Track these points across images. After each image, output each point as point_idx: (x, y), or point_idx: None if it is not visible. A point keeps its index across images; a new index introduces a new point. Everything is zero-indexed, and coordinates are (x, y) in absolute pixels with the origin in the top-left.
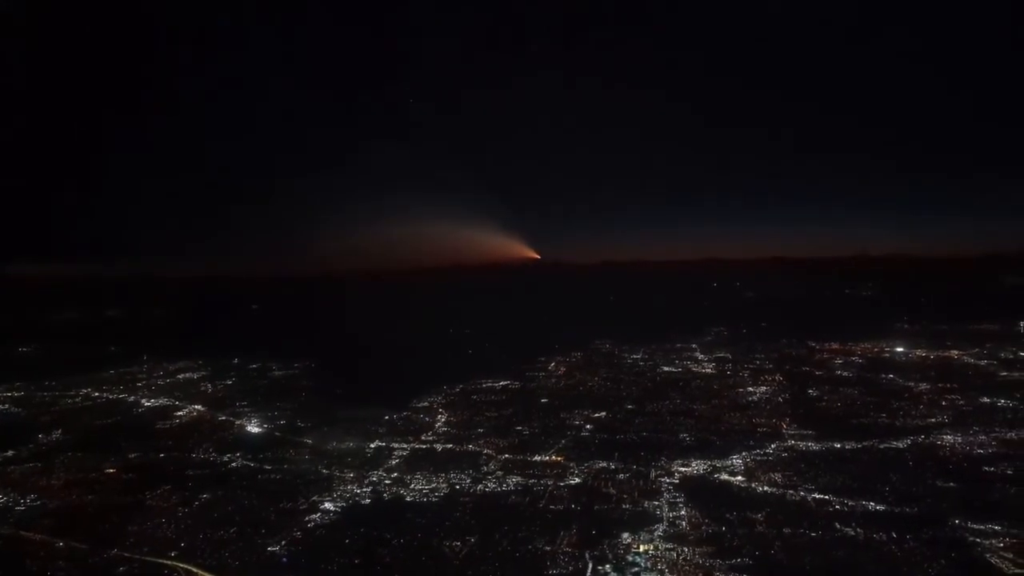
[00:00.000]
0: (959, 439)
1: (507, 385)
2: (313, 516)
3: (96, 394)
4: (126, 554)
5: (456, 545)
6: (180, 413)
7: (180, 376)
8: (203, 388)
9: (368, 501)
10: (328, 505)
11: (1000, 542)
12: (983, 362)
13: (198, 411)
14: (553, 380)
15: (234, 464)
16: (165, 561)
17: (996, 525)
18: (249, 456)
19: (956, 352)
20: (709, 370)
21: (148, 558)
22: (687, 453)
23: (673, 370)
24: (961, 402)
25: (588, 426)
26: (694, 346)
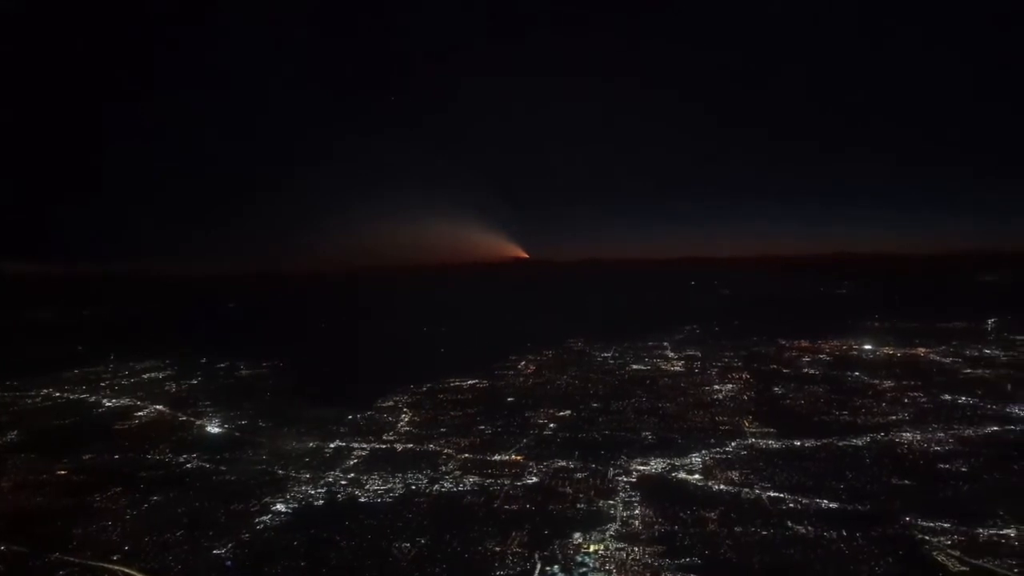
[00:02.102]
0: (917, 436)
1: (475, 384)
2: (263, 518)
3: (57, 394)
4: (68, 558)
5: (406, 547)
6: (140, 413)
7: (145, 376)
8: (167, 388)
9: (321, 502)
10: (280, 506)
11: (948, 539)
12: (948, 359)
13: (159, 411)
14: (522, 379)
15: (189, 465)
16: (106, 565)
17: (946, 523)
18: (206, 457)
19: (923, 350)
20: (678, 368)
21: (89, 562)
22: (647, 452)
23: (642, 368)
24: (923, 399)
25: (551, 425)
26: (665, 344)
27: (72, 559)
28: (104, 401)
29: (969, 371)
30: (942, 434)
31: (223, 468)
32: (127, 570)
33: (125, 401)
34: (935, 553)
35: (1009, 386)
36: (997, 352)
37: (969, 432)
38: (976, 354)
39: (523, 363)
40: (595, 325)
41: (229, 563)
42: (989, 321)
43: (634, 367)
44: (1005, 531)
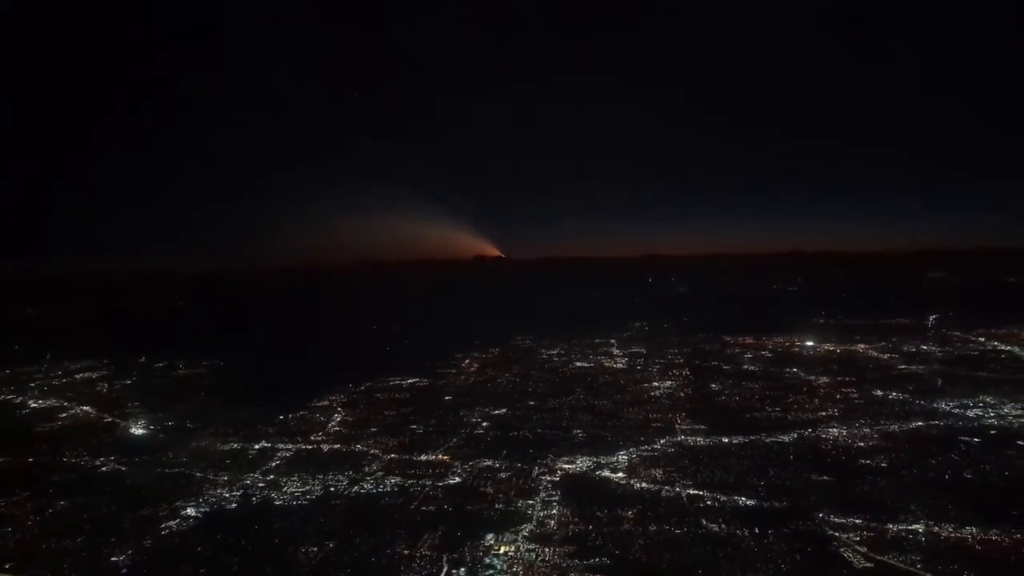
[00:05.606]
0: (844, 432)
1: (415, 383)
2: (171, 523)
3: None
4: None
5: (312, 551)
6: (64, 415)
7: (79, 376)
8: (98, 388)
9: (234, 506)
10: (190, 511)
11: (857, 535)
12: (886, 355)
13: (84, 412)
14: (463, 377)
15: (104, 468)
16: None
17: (857, 519)
18: (124, 460)
19: (863, 346)
20: (621, 365)
21: None
22: (575, 450)
23: (585, 365)
24: (855, 395)
25: (484, 423)
26: (612, 341)
27: None
28: (30, 402)
29: (904, 367)
30: (868, 430)
31: (139, 471)
32: None
33: (52, 402)
34: (842, 550)
35: (939, 381)
36: (934, 348)
37: (894, 427)
38: (913, 350)
39: (467, 361)
40: (545, 322)
41: (124, 571)
42: (931, 318)
43: (577, 364)
44: (914, 526)
